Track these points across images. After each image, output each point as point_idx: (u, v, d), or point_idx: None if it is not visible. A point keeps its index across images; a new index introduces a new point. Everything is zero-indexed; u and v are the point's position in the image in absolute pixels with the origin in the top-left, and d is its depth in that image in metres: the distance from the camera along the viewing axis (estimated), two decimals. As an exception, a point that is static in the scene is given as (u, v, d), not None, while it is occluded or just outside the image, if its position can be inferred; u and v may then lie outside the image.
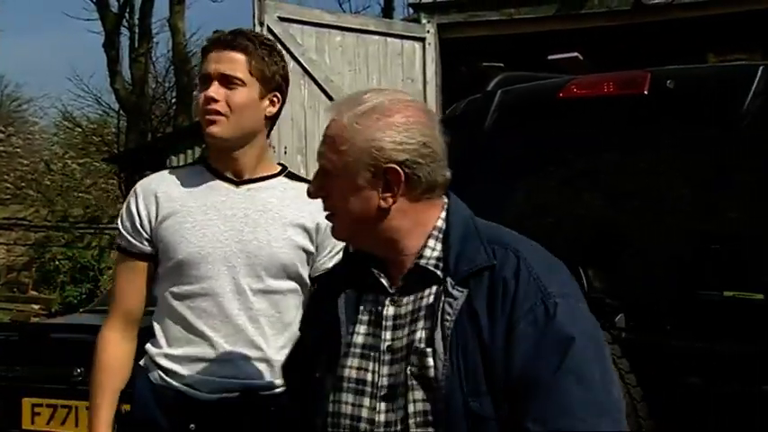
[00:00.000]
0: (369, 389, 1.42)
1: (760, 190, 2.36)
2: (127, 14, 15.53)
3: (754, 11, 6.98)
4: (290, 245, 1.91)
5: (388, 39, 7.38)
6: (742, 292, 2.15)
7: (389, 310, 1.44)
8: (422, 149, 1.39)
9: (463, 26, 7.76)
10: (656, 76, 2.43)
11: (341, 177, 1.42)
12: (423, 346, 1.38)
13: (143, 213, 1.92)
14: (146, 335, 1.99)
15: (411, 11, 9.09)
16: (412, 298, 1.42)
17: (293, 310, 1.93)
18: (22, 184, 16.36)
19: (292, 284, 1.92)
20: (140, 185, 1.97)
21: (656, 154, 2.46)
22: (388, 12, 15.24)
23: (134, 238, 1.93)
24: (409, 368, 1.39)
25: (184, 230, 1.89)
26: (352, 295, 1.48)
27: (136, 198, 1.94)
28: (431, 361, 1.37)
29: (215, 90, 1.87)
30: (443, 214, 1.44)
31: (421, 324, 1.40)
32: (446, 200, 1.45)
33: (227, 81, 1.87)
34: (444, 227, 1.43)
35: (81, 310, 7.41)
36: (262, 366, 1.90)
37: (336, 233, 1.48)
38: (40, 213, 14.49)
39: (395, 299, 1.44)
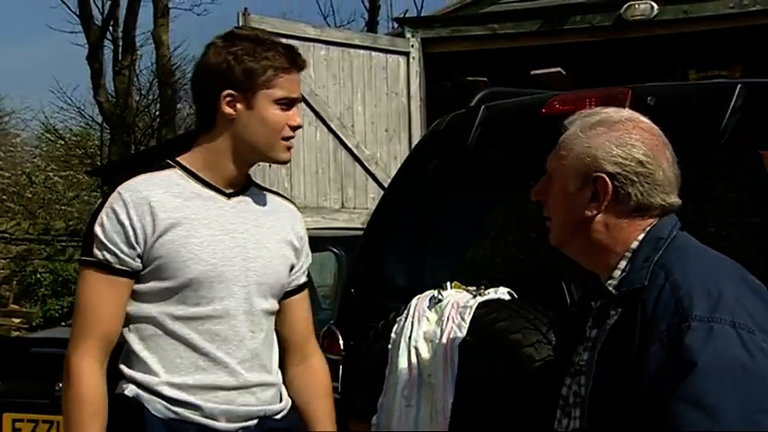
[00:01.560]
0: (562, 404, 1.50)
1: (738, 205, 2.40)
2: (111, 27, 15.49)
3: (734, 28, 7.09)
4: (285, 262, 1.86)
5: (373, 53, 7.43)
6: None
7: (593, 333, 1.47)
8: (637, 167, 1.41)
9: (447, 41, 7.83)
10: (636, 93, 2.45)
11: (557, 182, 1.47)
12: (583, 365, 1.44)
13: (137, 225, 1.71)
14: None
15: (395, 25, 9.15)
16: (613, 320, 1.41)
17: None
18: (4, 197, 16.24)
19: (278, 303, 1.88)
20: (127, 192, 1.72)
21: (637, 169, 2.48)
22: (372, 26, 15.32)
23: (124, 254, 1.71)
24: (574, 386, 1.46)
25: (192, 246, 1.73)
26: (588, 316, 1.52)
27: (126, 207, 1.71)
28: (583, 380, 1.42)
29: (300, 115, 1.82)
30: (641, 235, 1.43)
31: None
32: (653, 221, 1.43)
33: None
34: (637, 248, 1.42)
35: (63, 323, 7.36)
36: (273, 391, 1.83)
37: (551, 238, 1.52)
38: (22, 226, 14.38)
39: (597, 320, 1.46)
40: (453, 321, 2.23)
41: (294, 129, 1.80)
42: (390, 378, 2.30)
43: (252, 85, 1.75)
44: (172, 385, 1.71)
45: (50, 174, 17.34)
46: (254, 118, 1.77)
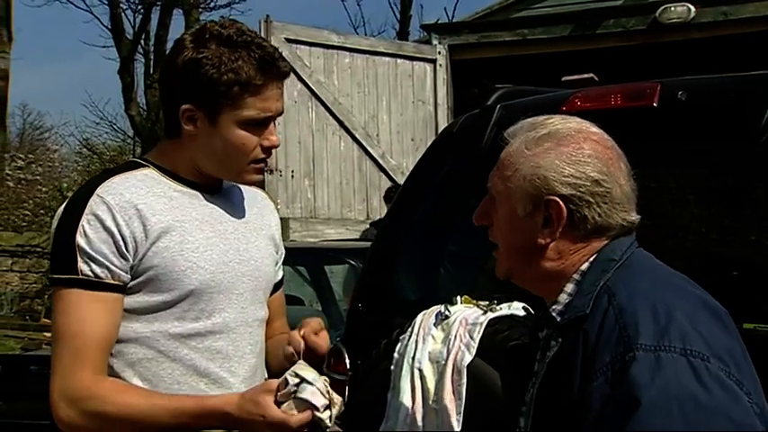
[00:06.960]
0: None
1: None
2: (142, 41, 15.61)
3: (775, 29, 6.82)
4: (272, 262, 1.69)
5: (398, 60, 7.29)
6: (764, 324, 1.95)
7: (537, 366, 1.35)
8: (593, 187, 1.27)
9: (475, 47, 7.66)
10: (666, 88, 2.27)
11: (503, 205, 1.32)
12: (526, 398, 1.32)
13: (126, 232, 1.49)
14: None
15: (425, 34, 9.00)
16: (553, 352, 1.29)
17: None
18: (41, 211, 16.41)
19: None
20: (109, 194, 1.50)
21: (667, 170, 2.28)
22: (403, 36, 15.19)
23: (115, 266, 1.49)
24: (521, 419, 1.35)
25: (188, 253, 1.53)
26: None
27: (111, 211, 1.49)
28: (522, 418, 1.31)
29: (275, 133, 1.57)
30: (594, 256, 1.29)
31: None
32: (607, 241, 1.30)
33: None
34: (587, 269, 1.29)
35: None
36: None
37: (497, 267, 1.37)
38: (55, 240, 14.47)
39: (542, 352, 1.33)
40: (461, 340, 2.05)
41: (268, 149, 1.57)
42: (392, 403, 2.14)
43: (213, 101, 1.51)
44: None
45: (86, 188, 17.50)
46: (215, 138, 1.54)
